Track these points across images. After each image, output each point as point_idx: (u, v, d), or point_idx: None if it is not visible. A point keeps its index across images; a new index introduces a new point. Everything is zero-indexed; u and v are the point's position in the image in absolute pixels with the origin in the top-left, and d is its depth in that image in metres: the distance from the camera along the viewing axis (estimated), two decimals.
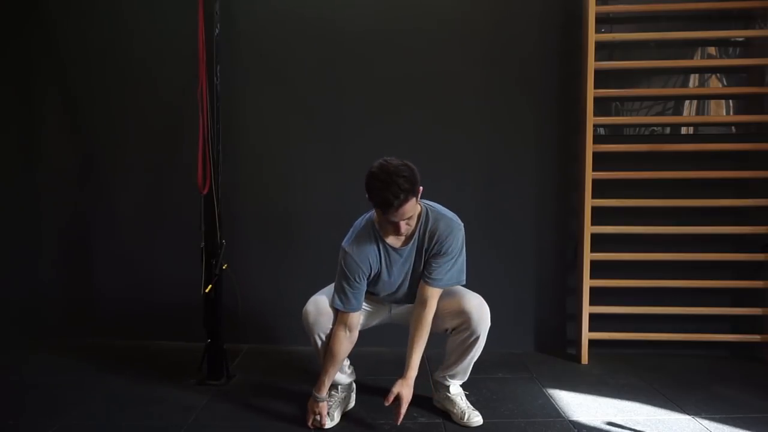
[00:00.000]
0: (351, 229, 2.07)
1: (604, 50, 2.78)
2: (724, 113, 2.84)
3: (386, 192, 1.80)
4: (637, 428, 2.07)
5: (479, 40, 2.85)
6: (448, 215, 2.03)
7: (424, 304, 2.01)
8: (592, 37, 2.65)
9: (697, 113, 2.84)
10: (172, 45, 2.84)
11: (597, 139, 2.74)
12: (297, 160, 2.90)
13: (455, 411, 2.13)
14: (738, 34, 2.80)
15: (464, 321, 2.03)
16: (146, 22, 2.89)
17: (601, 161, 2.71)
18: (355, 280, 1.99)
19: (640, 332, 2.77)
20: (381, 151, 2.83)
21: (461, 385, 2.23)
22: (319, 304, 2.04)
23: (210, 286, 2.44)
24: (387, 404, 1.94)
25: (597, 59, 2.67)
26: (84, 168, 2.99)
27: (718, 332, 2.76)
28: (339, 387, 2.19)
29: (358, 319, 2.05)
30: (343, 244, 2.03)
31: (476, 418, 2.09)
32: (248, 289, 2.71)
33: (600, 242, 2.73)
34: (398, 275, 2.07)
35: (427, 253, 2.02)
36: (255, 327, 2.92)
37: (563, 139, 2.85)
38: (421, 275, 2.05)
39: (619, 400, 2.32)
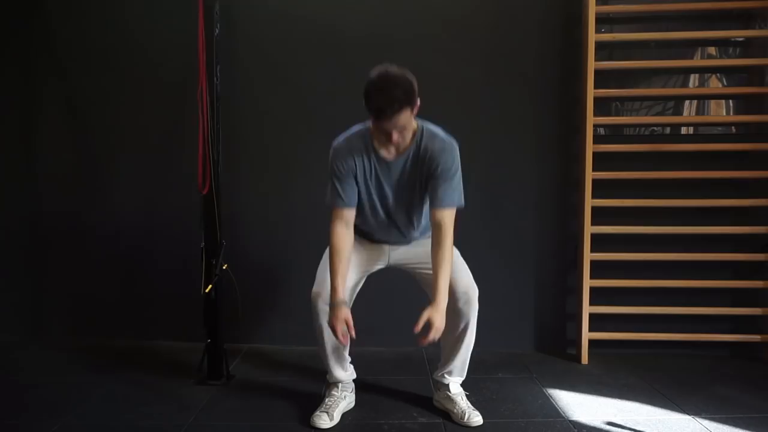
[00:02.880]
0: (345, 131, 2.06)
1: (604, 50, 2.78)
2: (724, 113, 2.84)
3: (381, 99, 1.79)
4: (637, 428, 2.07)
5: (479, 41, 2.85)
6: (442, 134, 2.02)
7: (438, 227, 1.98)
8: (592, 37, 2.65)
9: (697, 113, 2.84)
10: (172, 45, 2.84)
11: (597, 139, 2.74)
12: (297, 160, 2.90)
13: (455, 411, 2.13)
14: (738, 34, 2.80)
15: (450, 303, 2.01)
16: (146, 22, 2.89)
17: (601, 161, 2.71)
18: (342, 172, 1.99)
19: (640, 332, 2.77)
20: None
21: (461, 385, 2.23)
22: (327, 286, 2.01)
23: (210, 286, 2.44)
24: (416, 331, 1.85)
25: (597, 59, 2.67)
26: (84, 167, 2.99)
27: (718, 332, 2.76)
28: (339, 386, 2.19)
29: (352, 215, 2.03)
30: (333, 143, 2.05)
31: (476, 418, 2.09)
32: (248, 289, 2.71)
33: (600, 242, 2.73)
34: (392, 189, 2.04)
35: (422, 173, 2.00)
36: (255, 327, 2.92)
37: (563, 139, 2.86)
38: (421, 201, 2.04)
39: (619, 400, 2.32)
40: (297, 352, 2.84)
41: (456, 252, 2.09)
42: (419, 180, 2.02)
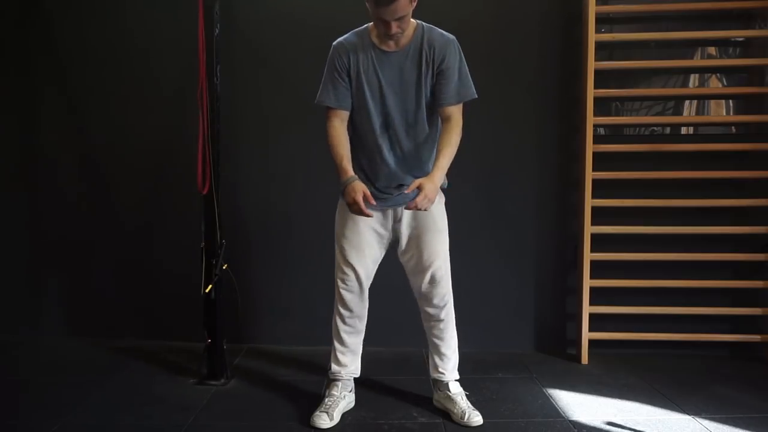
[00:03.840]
0: None
1: (604, 50, 2.78)
2: (724, 113, 2.84)
3: None
4: (637, 428, 2.07)
5: (479, 41, 2.84)
6: (439, 29, 2.04)
7: (448, 120, 2.01)
8: (592, 37, 2.65)
9: (697, 113, 2.84)
10: (172, 45, 2.84)
11: (597, 139, 2.74)
12: (297, 160, 2.90)
13: (455, 411, 2.13)
14: (738, 34, 2.80)
15: (429, 306, 2.10)
16: (146, 22, 2.89)
17: (601, 161, 2.71)
18: (336, 68, 2.03)
19: (640, 332, 2.77)
20: None
21: (461, 385, 2.23)
22: (358, 262, 2.09)
23: (210, 286, 2.44)
24: (407, 191, 1.93)
25: (597, 59, 2.67)
26: (84, 167, 2.99)
27: (718, 332, 2.76)
28: (339, 385, 2.19)
29: (346, 114, 2.06)
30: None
31: (476, 418, 2.09)
32: (248, 289, 2.71)
33: (600, 242, 2.73)
34: (393, 84, 2.01)
35: (425, 69, 1.99)
36: (255, 327, 2.92)
37: (563, 139, 2.86)
38: (420, 105, 2.03)
39: (619, 400, 2.32)
40: (297, 352, 2.84)
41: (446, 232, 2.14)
42: (422, 77, 2.01)
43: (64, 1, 2.93)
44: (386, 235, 2.15)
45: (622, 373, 2.60)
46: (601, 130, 2.80)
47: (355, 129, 2.11)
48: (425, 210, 1.93)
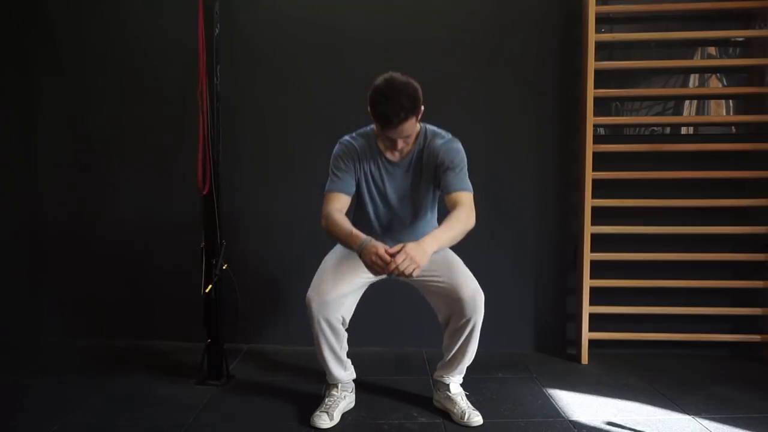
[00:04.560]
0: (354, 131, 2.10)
1: (604, 50, 2.78)
2: (724, 113, 2.84)
3: (387, 109, 1.81)
4: (637, 428, 2.07)
5: (479, 41, 2.84)
6: (443, 132, 2.05)
7: (455, 203, 1.97)
8: (592, 37, 2.65)
9: (697, 113, 2.84)
10: (172, 45, 2.84)
11: (597, 139, 2.74)
12: (297, 160, 2.90)
13: (455, 411, 2.13)
14: (738, 34, 2.80)
15: (458, 308, 2.02)
16: (146, 22, 2.89)
17: (601, 161, 2.72)
18: (344, 166, 2.02)
19: (640, 332, 2.77)
20: None
21: (461, 385, 2.23)
22: (320, 292, 2.01)
23: (210, 286, 2.44)
24: (390, 250, 1.77)
25: (597, 59, 2.67)
26: (83, 167, 2.98)
27: (718, 332, 2.76)
28: (339, 386, 2.19)
29: (346, 202, 2.04)
30: (340, 139, 2.09)
31: (476, 418, 2.09)
32: (248, 289, 2.71)
33: (600, 242, 2.73)
34: (397, 191, 2.06)
35: (428, 172, 2.02)
36: (255, 327, 2.92)
37: (563, 139, 2.86)
38: (427, 194, 2.07)
39: (619, 400, 2.32)
40: (297, 352, 2.84)
41: (460, 260, 2.13)
42: (425, 179, 2.04)
43: (63, 1, 2.93)
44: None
45: (622, 373, 2.60)
46: (601, 130, 2.80)
47: (355, 224, 1.99)
48: (409, 276, 1.76)
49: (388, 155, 2.03)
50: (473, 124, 2.86)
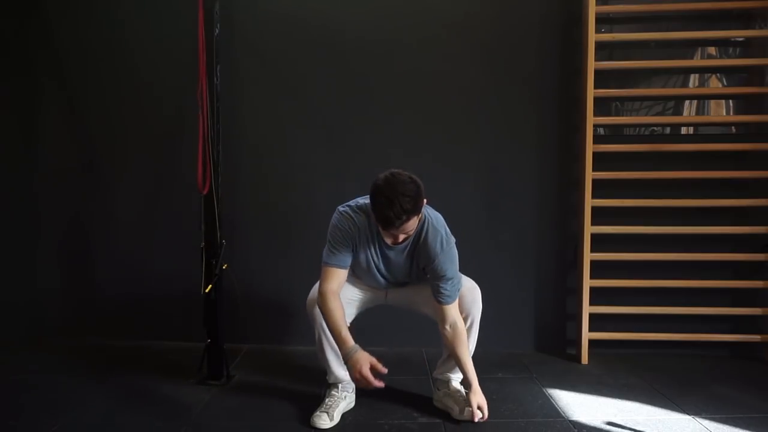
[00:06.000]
0: (355, 200, 2.05)
1: (604, 50, 2.78)
2: (724, 113, 2.84)
3: (389, 211, 1.79)
4: (637, 428, 2.07)
5: (479, 41, 2.85)
6: (442, 231, 2.01)
7: (453, 324, 2.04)
8: (592, 37, 2.65)
9: (697, 113, 2.84)
10: (172, 45, 2.84)
11: (597, 139, 2.74)
12: (297, 160, 2.90)
13: (455, 407, 2.13)
14: (738, 34, 2.80)
15: (458, 304, 2.07)
16: (146, 22, 2.89)
17: (601, 161, 2.72)
18: (342, 240, 1.99)
19: (640, 332, 2.77)
20: (381, 151, 2.85)
21: (461, 385, 2.23)
22: (325, 291, 2.01)
23: (210, 286, 2.44)
24: (475, 420, 2.02)
25: (597, 59, 2.67)
26: (83, 168, 2.98)
27: (718, 332, 2.76)
28: (339, 386, 2.19)
29: (343, 275, 2.03)
30: (340, 208, 2.04)
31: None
32: (248, 289, 2.71)
33: (600, 242, 2.73)
34: (396, 267, 2.09)
35: (419, 262, 2.04)
36: (255, 327, 2.92)
37: (563, 139, 2.86)
38: (421, 273, 2.08)
39: (619, 400, 2.32)
40: (297, 352, 2.84)
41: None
42: (415, 266, 2.08)
43: (63, 2, 2.93)
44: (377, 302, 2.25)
45: (622, 373, 2.60)
46: (601, 130, 2.80)
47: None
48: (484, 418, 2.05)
49: (387, 239, 2.00)
50: (473, 124, 2.86)
